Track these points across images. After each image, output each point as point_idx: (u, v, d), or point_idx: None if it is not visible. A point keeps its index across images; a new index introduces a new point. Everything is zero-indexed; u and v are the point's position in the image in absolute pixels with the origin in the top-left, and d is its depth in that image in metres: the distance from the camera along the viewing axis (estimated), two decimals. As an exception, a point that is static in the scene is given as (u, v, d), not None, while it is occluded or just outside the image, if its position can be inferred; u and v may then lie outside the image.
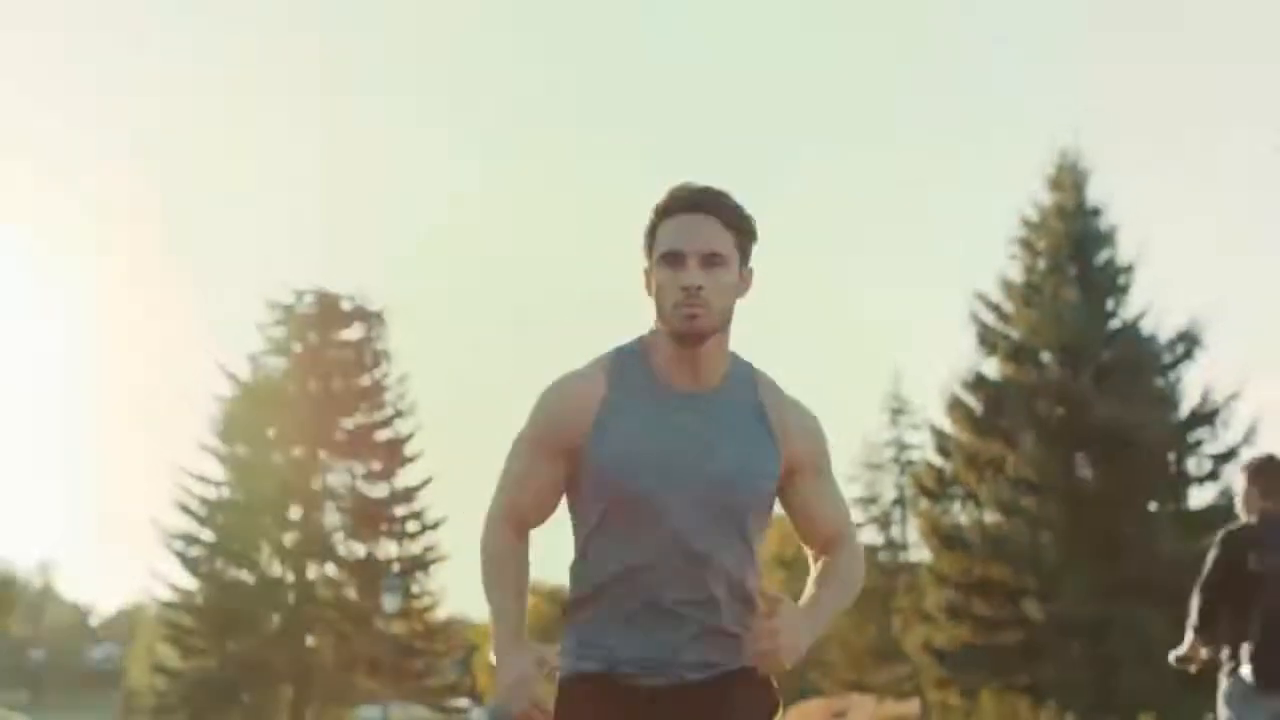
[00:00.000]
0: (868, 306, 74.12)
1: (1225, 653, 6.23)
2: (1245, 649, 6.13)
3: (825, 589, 3.06)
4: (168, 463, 40.67)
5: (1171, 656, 6.50)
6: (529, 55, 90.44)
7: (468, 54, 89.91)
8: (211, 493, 36.75)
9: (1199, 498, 29.13)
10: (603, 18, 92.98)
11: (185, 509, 36.46)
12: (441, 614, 39.55)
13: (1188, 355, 29.15)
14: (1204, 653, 6.30)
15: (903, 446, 40.95)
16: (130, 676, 57.42)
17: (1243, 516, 6.41)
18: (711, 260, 2.94)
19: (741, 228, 3.00)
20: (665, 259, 2.95)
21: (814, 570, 3.14)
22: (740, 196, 3.06)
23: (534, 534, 3.12)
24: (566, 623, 3.10)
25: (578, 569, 3.05)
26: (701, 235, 2.94)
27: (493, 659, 2.98)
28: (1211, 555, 6.30)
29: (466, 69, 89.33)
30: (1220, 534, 6.45)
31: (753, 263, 3.06)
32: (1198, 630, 6.30)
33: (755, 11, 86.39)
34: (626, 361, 3.03)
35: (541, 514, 3.07)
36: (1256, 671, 6.08)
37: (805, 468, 3.05)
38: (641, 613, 2.97)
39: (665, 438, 2.95)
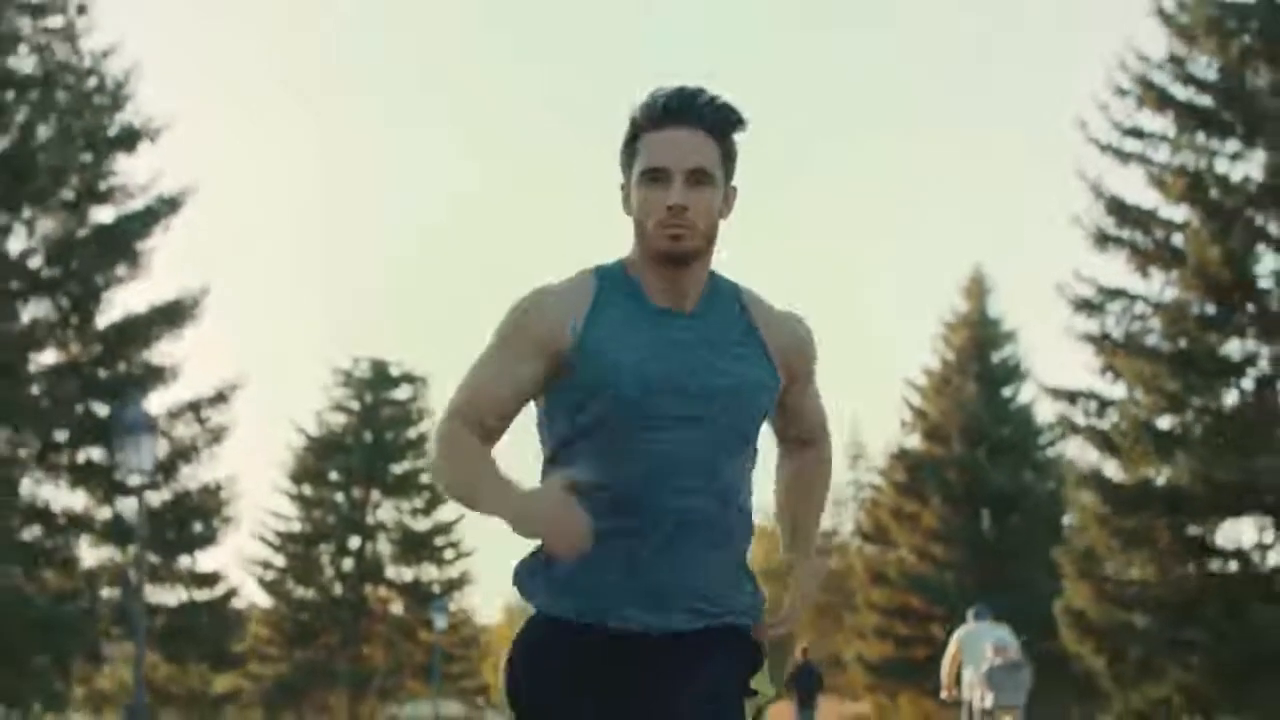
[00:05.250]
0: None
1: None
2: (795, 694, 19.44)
3: (808, 520, 3.22)
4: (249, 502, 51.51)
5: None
6: (529, 55, 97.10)
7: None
8: (284, 526, 46.30)
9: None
10: (603, 15, 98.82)
11: (262, 539, 46.85)
12: (470, 629, 50.43)
13: (1063, 435, 40.17)
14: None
15: (860, 486, 51.91)
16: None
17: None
18: (697, 178, 2.89)
19: (729, 137, 2.95)
20: (647, 176, 2.90)
21: (784, 465, 3.24)
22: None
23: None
24: (532, 552, 2.97)
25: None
26: (687, 151, 2.89)
27: (506, 517, 2.77)
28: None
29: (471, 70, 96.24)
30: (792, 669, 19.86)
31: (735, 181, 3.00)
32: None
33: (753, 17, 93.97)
34: (608, 277, 2.99)
35: (500, 418, 2.97)
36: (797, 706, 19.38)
37: (798, 377, 3.08)
38: (623, 534, 2.87)
39: (661, 351, 2.91)
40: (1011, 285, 77.70)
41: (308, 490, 47.17)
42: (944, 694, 16.10)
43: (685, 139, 2.90)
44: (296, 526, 46.74)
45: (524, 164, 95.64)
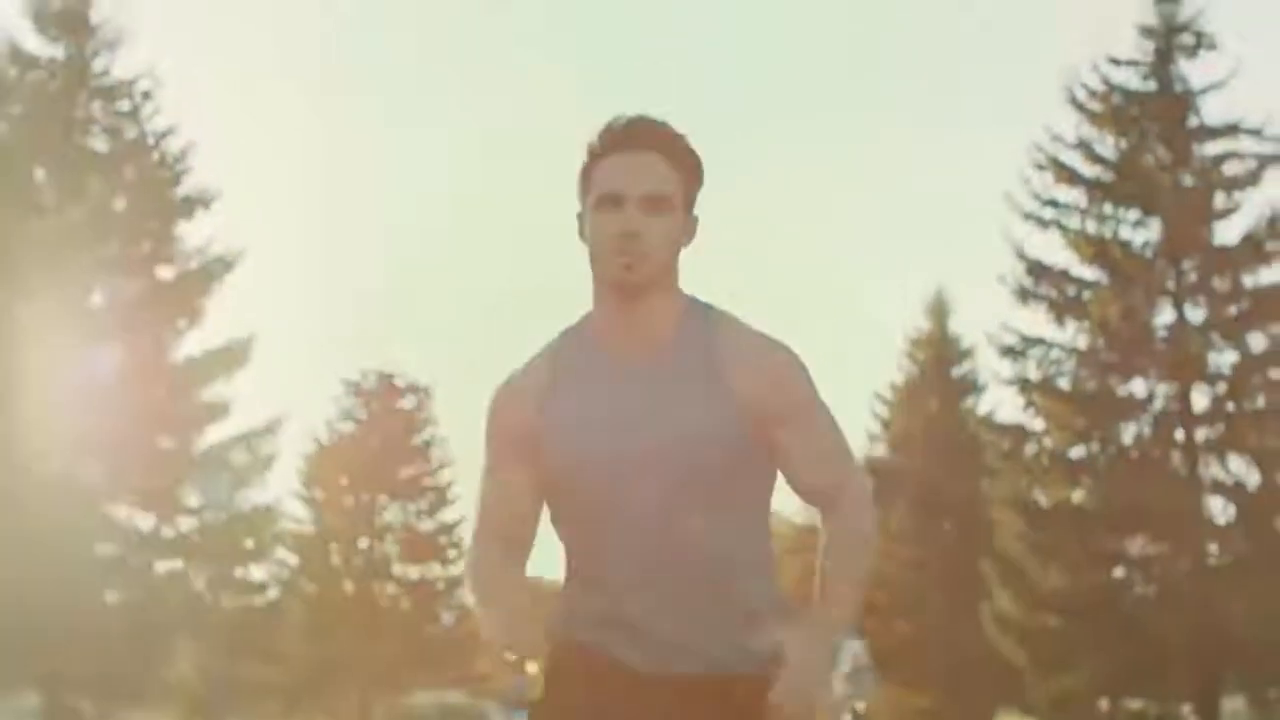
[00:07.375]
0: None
1: None
2: None
3: (832, 593, 3.01)
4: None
5: None
6: (529, 54, 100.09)
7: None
8: (296, 528, 49.97)
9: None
10: (604, 15, 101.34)
11: (279, 540, 51.38)
12: (471, 624, 54.49)
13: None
14: None
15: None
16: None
17: None
18: (653, 204, 2.86)
19: (688, 166, 2.91)
20: (602, 201, 2.87)
21: (822, 536, 3.09)
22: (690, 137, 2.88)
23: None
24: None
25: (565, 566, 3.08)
26: (643, 175, 2.86)
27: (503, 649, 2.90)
28: None
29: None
30: None
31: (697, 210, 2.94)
32: None
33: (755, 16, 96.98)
34: (568, 342, 3.01)
35: (518, 526, 3.04)
36: None
37: (772, 416, 2.96)
38: (611, 607, 2.95)
39: (607, 417, 2.92)
40: (974, 305, 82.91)
41: (319, 494, 51.00)
42: None
43: (640, 163, 2.88)
44: (309, 528, 50.55)
45: (529, 168, 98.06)
